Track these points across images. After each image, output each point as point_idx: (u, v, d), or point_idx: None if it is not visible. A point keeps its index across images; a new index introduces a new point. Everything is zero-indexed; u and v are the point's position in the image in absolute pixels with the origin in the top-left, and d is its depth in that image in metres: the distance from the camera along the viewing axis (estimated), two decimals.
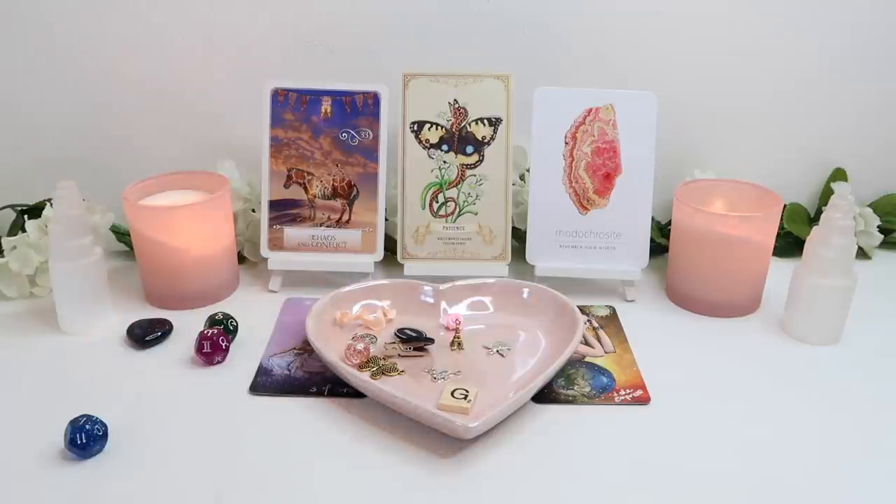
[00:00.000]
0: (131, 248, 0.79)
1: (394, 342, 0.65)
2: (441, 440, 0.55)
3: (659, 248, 0.82)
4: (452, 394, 0.58)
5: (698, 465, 0.53)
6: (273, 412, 0.58)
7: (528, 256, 0.77)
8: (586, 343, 0.68)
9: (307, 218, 0.77)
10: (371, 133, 0.76)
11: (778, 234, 0.73)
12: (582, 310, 0.70)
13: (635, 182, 0.75)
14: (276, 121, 0.76)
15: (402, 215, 0.77)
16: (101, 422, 0.54)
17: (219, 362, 0.64)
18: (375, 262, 0.77)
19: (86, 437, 0.52)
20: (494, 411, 0.54)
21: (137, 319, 0.69)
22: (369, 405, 0.59)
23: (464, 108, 0.76)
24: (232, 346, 0.66)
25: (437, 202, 0.77)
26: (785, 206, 0.80)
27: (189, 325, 0.69)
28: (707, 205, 0.76)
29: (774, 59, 0.85)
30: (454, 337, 0.67)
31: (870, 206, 0.88)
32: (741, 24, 0.83)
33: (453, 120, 0.76)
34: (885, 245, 0.88)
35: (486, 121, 0.76)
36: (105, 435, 0.54)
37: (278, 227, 0.77)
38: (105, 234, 0.79)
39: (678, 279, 0.75)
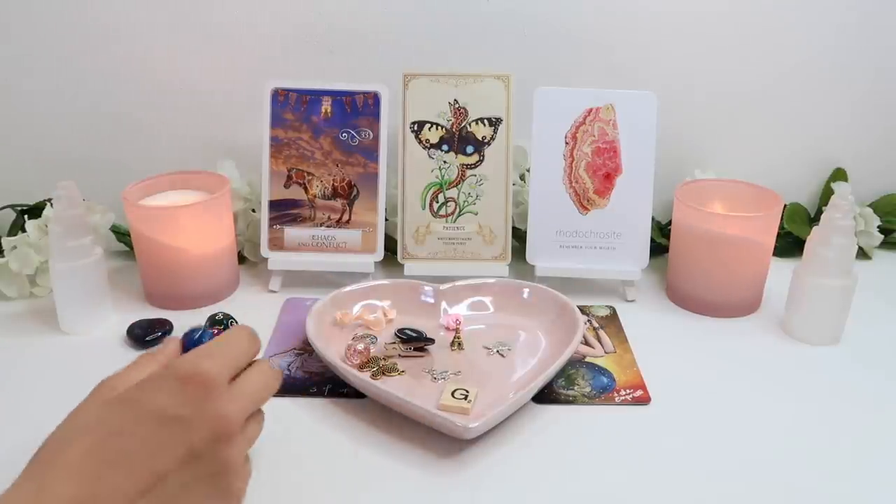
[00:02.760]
0: (131, 248, 0.79)
1: (394, 342, 0.65)
2: (441, 440, 0.55)
3: (659, 248, 0.82)
4: (453, 394, 0.58)
5: (698, 465, 0.53)
6: (273, 412, 0.58)
7: (528, 256, 0.77)
8: (586, 343, 0.68)
9: (307, 218, 0.77)
10: (371, 133, 0.76)
11: (778, 234, 0.73)
12: (582, 310, 0.70)
13: (635, 182, 0.75)
14: (276, 121, 0.76)
15: (402, 215, 0.77)
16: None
17: None
18: (375, 262, 0.77)
19: None
20: (494, 411, 0.54)
21: (137, 319, 0.69)
22: (369, 405, 0.59)
23: (464, 108, 0.76)
24: None
25: (438, 202, 0.77)
26: (785, 206, 0.80)
27: (189, 325, 0.69)
28: (707, 205, 0.76)
29: (775, 59, 0.85)
30: (454, 337, 0.67)
31: (870, 206, 0.88)
32: (741, 24, 0.83)
33: (453, 120, 0.76)
34: (885, 245, 0.88)
35: (486, 121, 0.76)
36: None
37: (278, 227, 0.77)
38: (105, 234, 0.79)
39: (678, 279, 0.75)
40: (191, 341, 0.56)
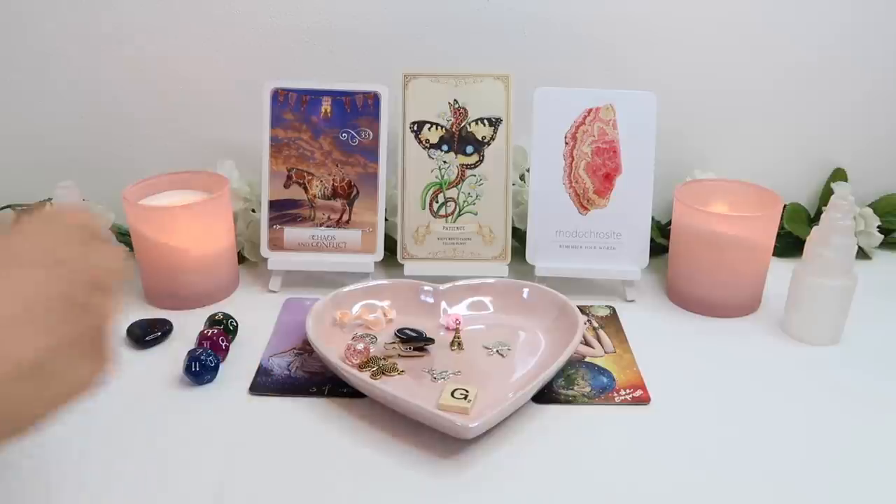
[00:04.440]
0: (131, 248, 0.79)
1: (394, 342, 0.65)
2: (441, 440, 0.55)
3: (659, 248, 0.82)
4: (452, 394, 0.58)
5: (698, 465, 0.53)
6: (273, 412, 0.58)
7: (528, 256, 0.77)
8: (586, 343, 0.68)
9: (307, 218, 0.77)
10: (371, 133, 0.76)
11: (778, 234, 0.73)
12: (582, 310, 0.70)
13: (635, 182, 0.75)
14: (276, 121, 0.76)
15: (402, 215, 0.77)
16: (213, 355, 0.62)
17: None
18: (375, 262, 0.77)
19: (200, 366, 0.61)
20: (494, 411, 0.54)
21: (137, 319, 0.69)
22: (369, 405, 0.59)
23: (464, 109, 0.76)
24: (232, 346, 0.66)
25: (437, 202, 0.77)
26: (785, 206, 0.80)
27: (189, 325, 0.69)
28: (707, 205, 0.76)
29: (775, 59, 0.85)
30: (454, 337, 0.67)
31: (870, 206, 0.88)
32: (741, 24, 0.83)
33: (453, 120, 0.76)
34: (885, 245, 0.88)
35: (486, 121, 0.76)
36: (217, 367, 0.62)
37: (278, 227, 0.77)
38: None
39: (678, 279, 0.75)
40: (193, 357, 0.61)
